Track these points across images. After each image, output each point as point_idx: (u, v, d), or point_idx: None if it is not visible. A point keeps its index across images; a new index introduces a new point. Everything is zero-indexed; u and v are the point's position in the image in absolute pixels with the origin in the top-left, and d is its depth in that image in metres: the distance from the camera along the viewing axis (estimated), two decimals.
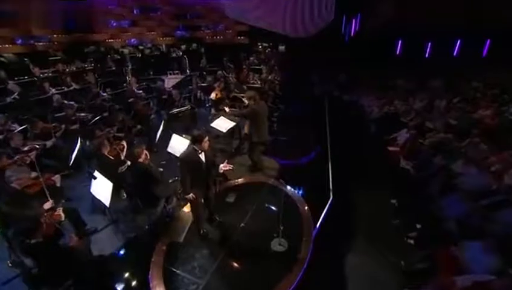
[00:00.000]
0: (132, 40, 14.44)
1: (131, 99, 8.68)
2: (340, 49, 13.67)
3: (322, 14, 13.15)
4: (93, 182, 4.82)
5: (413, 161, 6.72)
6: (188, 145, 4.42)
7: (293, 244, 4.59)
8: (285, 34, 13.47)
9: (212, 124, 6.52)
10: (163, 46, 14.64)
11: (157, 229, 4.95)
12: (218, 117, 6.78)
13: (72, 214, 4.77)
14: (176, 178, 5.96)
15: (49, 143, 6.20)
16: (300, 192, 5.87)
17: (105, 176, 4.83)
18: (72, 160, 5.62)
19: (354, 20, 13.57)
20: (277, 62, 13.36)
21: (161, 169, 5.45)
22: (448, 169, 5.88)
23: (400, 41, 13.09)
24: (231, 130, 7.96)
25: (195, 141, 4.25)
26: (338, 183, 6.26)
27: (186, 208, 5.48)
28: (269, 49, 14.70)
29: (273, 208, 5.37)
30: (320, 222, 5.13)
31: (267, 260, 4.39)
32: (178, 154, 4.81)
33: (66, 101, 8.49)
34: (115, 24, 14.05)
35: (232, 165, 4.54)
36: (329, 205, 5.62)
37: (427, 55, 12.55)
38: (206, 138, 4.25)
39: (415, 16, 11.91)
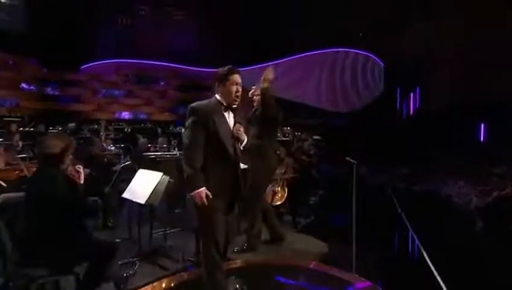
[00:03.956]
0: (123, 113, 13.05)
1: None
2: (395, 129, 11.55)
3: (369, 85, 11.53)
4: None
5: None
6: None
7: None
8: (320, 108, 11.78)
9: None
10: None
11: None
12: None
13: None
14: (130, 259, 3.47)
15: None
16: None
17: None
18: None
19: (411, 95, 11.83)
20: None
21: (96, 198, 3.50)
22: None
23: (482, 125, 10.99)
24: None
25: (222, 77, 2.61)
26: None
27: None
28: (299, 134, 12.72)
29: None
30: None
31: None
32: (141, 201, 3.40)
33: None
34: (105, 92, 12.95)
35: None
36: None
37: None
38: (238, 77, 2.62)
39: (503, 90, 10.07)
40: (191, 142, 2.48)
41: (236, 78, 2.61)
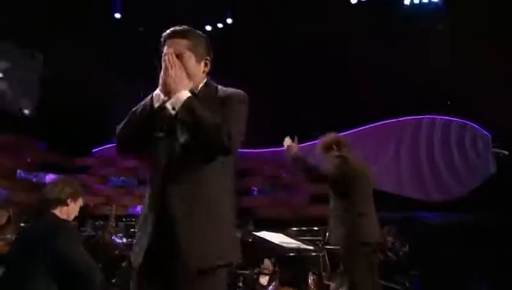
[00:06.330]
0: (139, 208, 11.16)
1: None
2: None
3: (470, 163, 8.88)
4: None
5: None
6: None
7: None
8: (403, 196, 9.15)
9: (259, 234, 4.23)
10: None
11: None
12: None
13: None
14: None
15: None
16: None
17: None
18: None
19: None
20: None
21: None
22: None
23: None
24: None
25: None
26: None
27: None
28: None
29: None
30: None
31: None
32: None
33: None
34: (117, 180, 11.25)
35: None
36: None
37: None
38: (167, 44, 1.94)
39: None
40: None
41: (165, 47, 1.93)
